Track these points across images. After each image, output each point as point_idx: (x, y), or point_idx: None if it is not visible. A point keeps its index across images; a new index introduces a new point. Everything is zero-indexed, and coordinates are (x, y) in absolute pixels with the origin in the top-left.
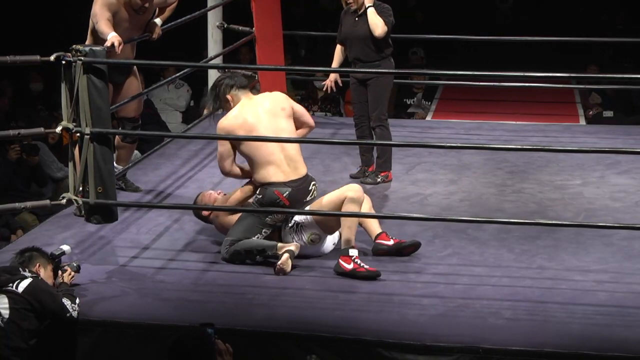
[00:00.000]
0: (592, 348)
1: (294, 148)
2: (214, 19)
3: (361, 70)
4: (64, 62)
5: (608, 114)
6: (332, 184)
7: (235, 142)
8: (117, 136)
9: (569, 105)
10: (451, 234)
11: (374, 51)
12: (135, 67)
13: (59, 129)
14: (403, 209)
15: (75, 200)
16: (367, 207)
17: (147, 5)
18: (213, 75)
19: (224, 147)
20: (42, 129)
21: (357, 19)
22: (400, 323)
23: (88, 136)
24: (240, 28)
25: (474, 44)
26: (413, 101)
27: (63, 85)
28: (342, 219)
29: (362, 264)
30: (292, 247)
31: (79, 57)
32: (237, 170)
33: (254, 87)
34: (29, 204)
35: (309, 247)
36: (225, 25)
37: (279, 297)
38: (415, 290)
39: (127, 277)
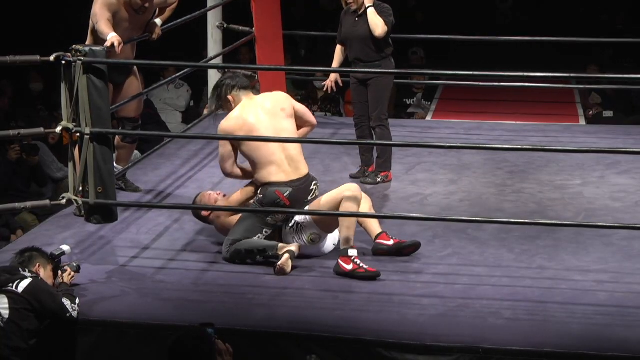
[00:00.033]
0: (592, 348)
1: (295, 148)
2: (214, 19)
3: (361, 70)
4: (64, 62)
5: (608, 114)
6: (332, 184)
7: (236, 142)
8: (117, 136)
9: (569, 105)
10: (451, 234)
11: (374, 51)
12: (135, 67)
13: (59, 129)
14: (403, 209)
15: (75, 200)
16: (367, 207)
17: (147, 5)
18: (213, 75)
19: (225, 148)
20: (42, 129)
21: (357, 19)
22: (400, 323)
23: (88, 136)
24: (240, 28)
25: (474, 44)
26: (413, 101)
27: (63, 85)
28: (341, 219)
29: (361, 265)
30: (293, 247)
31: (79, 57)
32: (238, 171)
33: (254, 87)
34: (29, 204)
35: (310, 247)
36: (225, 25)
37: (279, 297)
38: (415, 290)
39: (127, 277)
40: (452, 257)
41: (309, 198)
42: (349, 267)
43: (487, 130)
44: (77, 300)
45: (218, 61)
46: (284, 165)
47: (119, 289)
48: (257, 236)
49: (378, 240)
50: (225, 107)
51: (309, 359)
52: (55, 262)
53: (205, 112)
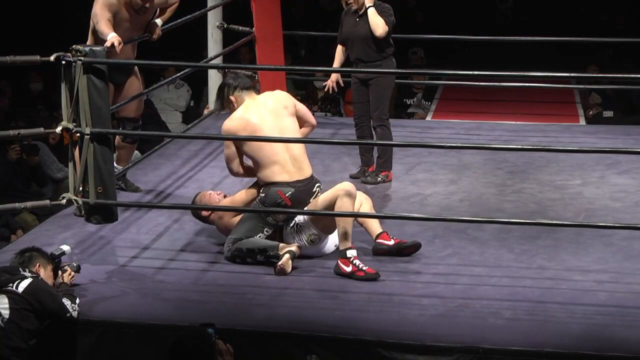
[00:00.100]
0: (592, 348)
1: (298, 148)
2: (214, 19)
3: (361, 70)
4: (64, 62)
5: (608, 114)
6: (332, 184)
7: (239, 142)
8: (117, 136)
9: (569, 105)
10: (451, 234)
11: (375, 51)
12: (136, 67)
13: (59, 129)
14: (403, 209)
15: (75, 200)
16: (367, 207)
17: (147, 5)
18: (213, 75)
19: (230, 149)
20: (42, 129)
21: (357, 19)
22: (400, 323)
23: (88, 136)
24: (240, 28)
25: (474, 43)
26: (413, 101)
27: (63, 85)
28: (337, 219)
29: (360, 266)
30: (294, 247)
31: (79, 57)
32: (245, 170)
33: (254, 87)
34: (29, 204)
35: (310, 248)
36: (225, 25)
37: (279, 297)
38: (415, 290)
39: (127, 277)
40: (452, 257)
41: (311, 200)
42: (348, 269)
43: (487, 130)
44: (77, 300)
45: (218, 61)
46: (287, 165)
47: (119, 289)
48: (258, 236)
49: (378, 240)
50: (227, 107)
51: (309, 358)
52: (55, 262)
53: (206, 112)
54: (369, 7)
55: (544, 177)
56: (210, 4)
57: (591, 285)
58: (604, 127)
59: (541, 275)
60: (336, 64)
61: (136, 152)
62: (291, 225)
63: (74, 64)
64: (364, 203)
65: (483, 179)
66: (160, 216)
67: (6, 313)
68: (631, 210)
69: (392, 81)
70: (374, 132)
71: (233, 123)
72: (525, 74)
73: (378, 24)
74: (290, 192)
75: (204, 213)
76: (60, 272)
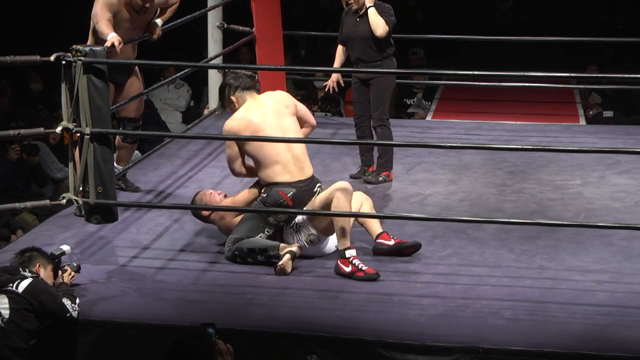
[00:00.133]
0: (592, 348)
1: (300, 148)
2: (214, 19)
3: (361, 70)
4: (64, 62)
5: (608, 114)
6: (332, 184)
7: (241, 142)
8: (117, 136)
9: (569, 105)
10: (451, 234)
11: (376, 51)
12: (136, 67)
13: (59, 129)
14: (403, 209)
15: (75, 200)
16: (368, 207)
17: (147, 5)
18: (213, 75)
19: (232, 149)
20: (42, 129)
21: (358, 19)
22: (400, 323)
23: (88, 136)
24: (240, 28)
25: (474, 44)
26: (413, 101)
27: (63, 85)
28: (334, 220)
29: (360, 266)
30: (294, 248)
31: (79, 57)
32: (247, 171)
33: (255, 87)
34: (29, 204)
35: (310, 248)
36: (225, 25)
37: (279, 297)
38: (415, 290)
39: (127, 277)
40: (452, 257)
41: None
42: (348, 269)
43: (487, 130)
44: (77, 300)
45: (218, 61)
46: (289, 165)
47: (119, 289)
48: (259, 235)
49: (379, 240)
50: (229, 107)
51: (309, 358)
52: (55, 262)
53: (206, 112)
54: (370, 7)
55: (544, 177)
56: (210, 4)
57: (591, 285)
58: (604, 127)
59: (541, 275)
60: (336, 64)
61: (136, 152)
62: (291, 225)
63: (74, 64)
64: (364, 203)
65: (483, 179)
66: (160, 216)
67: (6, 313)
68: (631, 210)
69: (393, 81)
70: (374, 132)
71: (235, 123)
72: (525, 74)
73: (378, 24)
74: (292, 192)
75: (205, 213)
76: (60, 272)
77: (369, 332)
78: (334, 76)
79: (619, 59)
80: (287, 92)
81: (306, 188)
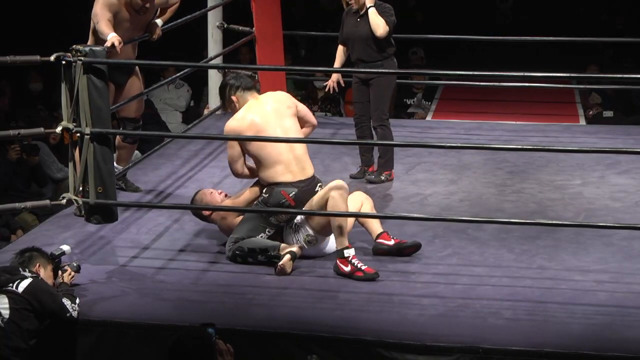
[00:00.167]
0: (592, 348)
1: (301, 148)
2: (214, 19)
3: (361, 70)
4: (64, 62)
5: (608, 114)
6: None
7: (244, 143)
8: (117, 136)
9: (569, 105)
10: (451, 234)
11: (376, 51)
12: (137, 67)
13: (59, 129)
14: (403, 209)
15: (75, 200)
16: (368, 207)
17: (147, 5)
18: (213, 75)
19: (234, 149)
20: (42, 129)
21: (358, 19)
22: (400, 323)
23: (88, 136)
24: (240, 28)
25: (474, 44)
26: (413, 101)
27: (63, 85)
28: (331, 219)
29: (359, 266)
30: (295, 248)
31: (79, 57)
32: (247, 171)
33: (255, 87)
34: (29, 204)
35: (310, 248)
36: (225, 25)
37: (279, 297)
38: (415, 290)
39: (127, 277)
40: (452, 257)
41: None
42: (347, 268)
43: (487, 130)
44: (77, 300)
45: (218, 61)
46: (291, 165)
47: (119, 289)
48: (260, 236)
49: (379, 240)
50: (228, 107)
51: (310, 358)
52: (55, 262)
53: (206, 112)
54: (370, 7)
55: (544, 177)
56: (210, 4)
57: (591, 285)
58: (604, 127)
59: (541, 275)
60: (337, 64)
61: (136, 152)
62: (290, 225)
63: (74, 64)
64: (364, 203)
65: (483, 179)
66: (160, 216)
67: (6, 313)
68: (631, 210)
69: (393, 81)
70: (374, 132)
71: (237, 123)
72: (525, 74)
73: (379, 24)
74: (294, 193)
75: (205, 212)
76: (60, 272)
77: (369, 332)
78: (334, 76)
79: (619, 59)
80: (287, 92)
81: (307, 188)
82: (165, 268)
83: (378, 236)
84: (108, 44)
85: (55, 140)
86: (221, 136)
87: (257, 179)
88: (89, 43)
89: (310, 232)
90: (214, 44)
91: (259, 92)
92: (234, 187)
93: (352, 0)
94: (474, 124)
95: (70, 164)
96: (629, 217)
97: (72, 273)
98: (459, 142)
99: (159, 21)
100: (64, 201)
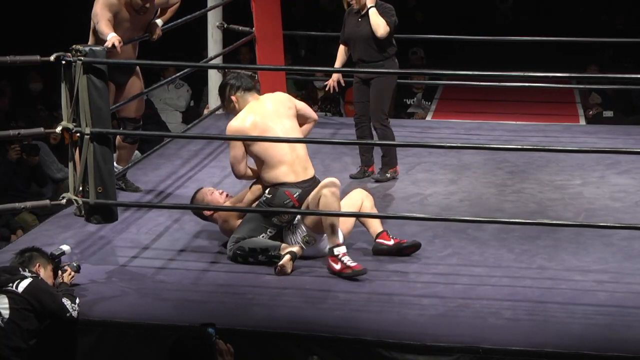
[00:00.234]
0: (592, 348)
1: (302, 148)
2: (214, 19)
3: (361, 70)
4: (64, 62)
5: (608, 114)
6: None
7: (247, 143)
8: (118, 136)
9: (569, 105)
10: (451, 234)
11: (377, 51)
12: (137, 67)
13: (59, 129)
14: (403, 209)
15: (75, 200)
16: (369, 204)
17: (147, 5)
18: (213, 75)
19: (238, 150)
20: (42, 129)
21: (360, 19)
22: (400, 323)
23: (88, 136)
24: (240, 28)
25: (474, 44)
26: (413, 101)
27: (63, 85)
28: (323, 218)
29: (348, 263)
30: (295, 248)
31: (79, 57)
32: (250, 172)
33: (255, 88)
34: (29, 204)
35: (309, 248)
36: (225, 25)
37: (279, 297)
38: (415, 290)
39: (127, 277)
40: (452, 257)
41: None
42: (337, 266)
43: (487, 130)
44: (77, 300)
45: (218, 61)
46: (294, 165)
47: (119, 289)
48: (261, 236)
49: (378, 240)
50: (228, 107)
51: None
52: (55, 262)
53: (205, 112)
54: (370, 7)
55: (544, 177)
56: (210, 4)
57: (591, 285)
58: (604, 127)
59: (541, 275)
60: (338, 63)
61: (136, 152)
62: (289, 225)
63: (74, 64)
64: (365, 201)
65: (483, 179)
66: (160, 216)
67: (6, 313)
68: (631, 210)
69: (394, 81)
70: (375, 133)
71: (241, 124)
72: (525, 74)
73: (379, 25)
74: (297, 193)
75: (206, 212)
76: (60, 272)
77: (369, 332)
78: (335, 76)
79: (619, 59)
80: (287, 92)
81: (310, 188)
82: (165, 268)
83: (378, 235)
84: (108, 44)
85: (56, 140)
86: (221, 136)
87: (256, 179)
88: (89, 43)
89: (306, 231)
90: (214, 44)
91: (259, 92)
92: (234, 187)
93: (353, 1)
94: (474, 124)
95: (70, 164)
96: (629, 217)
97: (72, 273)
98: (459, 142)
99: (159, 21)
100: (64, 201)
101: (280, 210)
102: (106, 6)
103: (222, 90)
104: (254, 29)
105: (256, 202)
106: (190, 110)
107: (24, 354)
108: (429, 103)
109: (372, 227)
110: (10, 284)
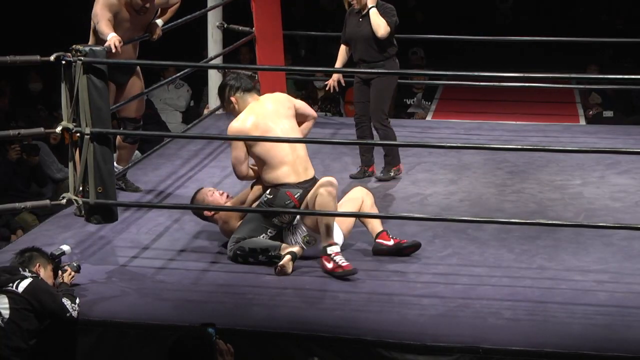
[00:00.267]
0: (592, 348)
1: (303, 149)
2: (214, 19)
3: (361, 70)
4: (64, 62)
5: (608, 114)
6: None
7: (249, 144)
8: (118, 136)
9: (569, 105)
10: (451, 234)
11: (378, 51)
12: (138, 67)
13: (59, 129)
14: (403, 209)
15: (75, 200)
16: (369, 203)
17: (148, 5)
18: (213, 75)
19: (239, 151)
20: (42, 129)
21: (360, 19)
22: (400, 323)
23: (88, 136)
24: (240, 28)
25: (474, 44)
26: (413, 101)
27: (63, 85)
28: (318, 217)
29: (340, 262)
30: (295, 248)
31: (79, 57)
32: (251, 172)
33: (255, 88)
34: (29, 204)
35: (310, 248)
36: (225, 25)
37: (279, 297)
38: (415, 290)
39: (127, 277)
40: (452, 257)
41: None
42: (330, 265)
43: (487, 130)
44: (77, 300)
45: (218, 61)
46: (295, 166)
47: (119, 289)
48: (261, 236)
49: (378, 240)
50: (227, 108)
51: None
52: (55, 262)
53: (205, 112)
54: (371, 7)
55: (544, 177)
56: (210, 4)
57: (591, 285)
58: (604, 127)
59: (541, 275)
60: (338, 63)
61: (136, 152)
62: (289, 226)
63: (74, 64)
64: (365, 199)
65: (483, 179)
66: (160, 216)
67: (6, 313)
68: (631, 210)
69: (394, 81)
70: (376, 133)
71: (242, 125)
72: (526, 74)
73: (380, 25)
74: (299, 193)
75: (207, 212)
76: (60, 272)
77: (369, 332)
78: (335, 75)
79: (619, 59)
80: (287, 92)
81: (310, 189)
82: (165, 268)
83: (377, 235)
84: (109, 44)
85: (56, 140)
86: (221, 136)
87: (256, 180)
88: (89, 43)
89: (306, 231)
90: (214, 44)
91: (259, 93)
92: (234, 187)
93: (354, 1)
94: (474, 124)
95: (70, 164)
96: (629, 217)
97: (72, 273)
98: (459, 142)
99: (159, 21)
100: (64, 201)
101: (280, 210)
102: (106, 6)
103: (222, 91)
104: (254, 29)
105: (257, 203)
106: (190, 110)
107: (24, 354)
108: (429, 103)
109: (372, 227)
110: (10, 284)
